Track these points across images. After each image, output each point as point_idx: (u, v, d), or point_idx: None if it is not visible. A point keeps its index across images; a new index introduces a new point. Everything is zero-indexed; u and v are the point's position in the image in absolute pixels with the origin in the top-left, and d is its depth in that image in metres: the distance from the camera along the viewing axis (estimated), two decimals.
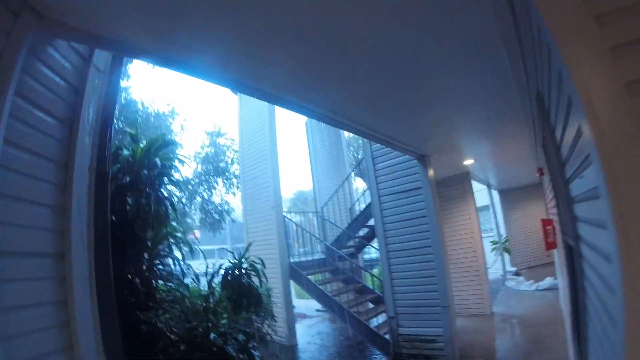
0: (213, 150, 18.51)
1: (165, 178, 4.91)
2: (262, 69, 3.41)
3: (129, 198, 4.31)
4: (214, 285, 5.63)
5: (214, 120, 26.14)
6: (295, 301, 13.73)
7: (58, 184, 2.79)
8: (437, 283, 6.99)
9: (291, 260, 10.15)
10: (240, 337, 5.26)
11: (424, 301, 7.18)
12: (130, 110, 15.53)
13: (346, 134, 15.60)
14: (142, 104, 16.44)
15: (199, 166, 18.40)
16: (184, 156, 16.31)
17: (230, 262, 5.76)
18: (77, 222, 2.92)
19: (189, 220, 19.59)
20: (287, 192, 44.00)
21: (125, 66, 16.15)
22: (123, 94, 15.91)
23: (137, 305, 4.38)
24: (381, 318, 8.72)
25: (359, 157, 19.00)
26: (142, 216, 4.38)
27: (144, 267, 4.80)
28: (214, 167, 18.23)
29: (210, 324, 5.01)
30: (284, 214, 10.30)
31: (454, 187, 10.23)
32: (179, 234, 5.38)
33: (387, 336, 7.86)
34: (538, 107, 3.47)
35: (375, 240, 11.00)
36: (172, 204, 4.93)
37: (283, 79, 3.71)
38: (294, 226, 10.80)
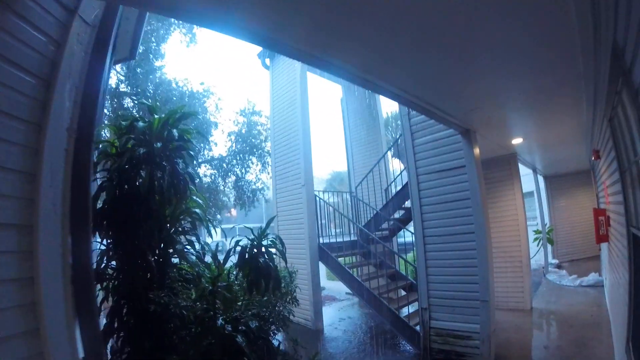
0: (247, 129, 18.06)
1: (185, 152, 4.44)
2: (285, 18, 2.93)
3: (142, 171, 4.02)
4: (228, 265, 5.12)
5: (248, 98, 25.76)
6: (325, 283, 13.47)
7: (28, 146, 2.48)
8: (477, 274, 6.22)
9: (321, 241, 9.54)
10: (254, 323, 4.69)
11: (461, 293, 6.42)
12: (164, 90, 15.29)
13: (384, 113, 14.88)
14: (176, 83, 16.19)
15: (234, 145, 18.01)
16: (207, 137, 16.74)
17: (248, 239, 5.16)
18: (48, 191, 2.57)
19: (224, 198, 19.42)
20: (323, 172, 43.63)
21: (158, 45, 16.15)
22: (158, 74, 15.85)
23: (150, 283, 4.13)
24: (412, 307, 8.02)
25: (397, 137, 18.19)
26: (156, 190, 4.01)
27: (160, 244, 4.43)
28: (248, 146, 17.83)
29: (217, 308, 4.49)
30: (315, 192, 9.62)
31: (499, 169, 9.33)
32: (198, 210, 4.86)
33: (417, 328, 7.18)
34: (612, 67, 2.84)
35: (411, 223, 10.40)
36: (191, 178, 4.51)
37: (307, 30, 3.14)
38: (328, 207, 10.07)
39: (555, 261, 14.27)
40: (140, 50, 15.22)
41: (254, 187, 18.62)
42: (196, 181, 4.88)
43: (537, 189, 13.42)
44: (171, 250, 4.57)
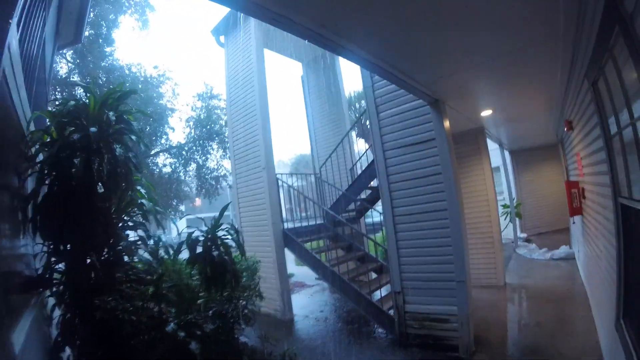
0: (206, 114, 17.25)
1: (127, 136, 3.97)
2: None
3: (76, 160, 3.52)
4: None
5: (205, 82, 24.87)
6: (294, 269, 12.93)
7: None
8: (452, 254, 5.75)
9: (286, 226, 8.94)
10: (209, 326, 4.13)
11: (436, 274, 5.97)
12: (115, 76, 14.47)
13: (347, 93, 14.29)
14: (129, 69, 15.33)
15: (193, 131, 17.19)
16: (163, 124, 15.95)
17: (201, 231, 4.57)
18: None
19: (186, 188, 18.73)
20: (287, 156, 42.98)
21: (109, 30, 15.09)
22: (109, 60, 15.03)
23: (96, 287, 3.58)
24: (385, 290, 7.52)
25: (360, 114, 17.57)
26: (94, 181, 3.52)
27: (106, 242, 3.87)
28: (208, 132, 17.04)
29: (164, 313, 3.91)
30: (278, 175, 8.98)
31: (467, 143, 8.94)
32: (145, 202, 4.27)
33: (391, 312, 6.69)
34: (604, 18, 2.55)
35: (379, 203, 9.91)
36: (135, 165, 3.98)
37: None
38: (291, 190, 9.46)
39: (524, 235, 14.17)
40: (89, 35, 14.39)
41: (215, 174, 17.87)
42: (141, 168, 4.36)
43: (504, 163, 13.21)
44: (120, 248, 3.99)
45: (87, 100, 3.77)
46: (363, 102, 10.80)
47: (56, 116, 3.63)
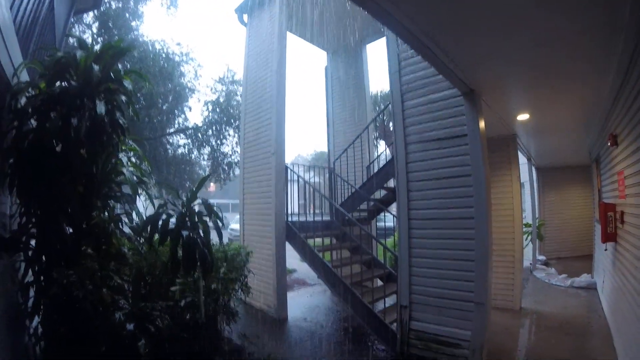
0: (225, 98, 16.55)
1: (118, 96, 3.46)
2: None
3: (52, 113, 3.14)
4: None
5: (228, 66, 24.24)
6: (297, 264, 12.13)
7: None
8: (473, 270, 4.87)
9: (291, 219, 8.12)
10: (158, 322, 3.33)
11: (452, 292, 5.09)
12: (140, 52, 13.89)
13: (372, 90, 13.45)
14: (152, 45, 14.73)
15: (210, 114, 16.51)
16: (183, 103, 15.43)
17: (172, 209, 3.82)
18: None
19: (200, 171, 18.14)
20: (307, 151, 42.31)
21: (136, 4, 14.62)
22: (134, 34, 14.51)
23: (61, 258, 3.24)
24: (390, 301, 6.66)
25: (386, 120, 16.58)
26: (70, 139, 3.09)
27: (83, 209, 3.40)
28: (225, 116, 16.33)
29: (105, 299, 3.17)
30: (287, 164, 8.19)
31: (497, 151, 7.94)
32: (127, 170, 3.71)
33: (394, 327, 5.82)
34: None
35: (394, 206, 8.98)
36: (122, 129, 3.51)
37: None
38: (300, 181, 8.62)
39: (543, 258, 13.10)
40: (116, 8, 14.03)
41: (229, 160, 17.13)
42: (129, 132, 3.81)
43: (531, 179, 12.22)
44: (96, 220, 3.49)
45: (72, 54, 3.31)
46: (389, 105, 9.88)
47: (45, 68, 3.29)
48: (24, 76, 3.44)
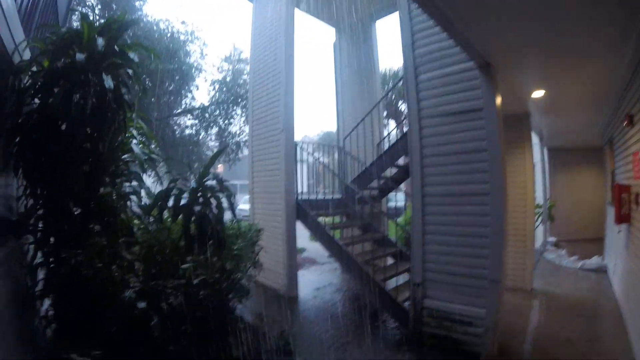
0: (232, 77, 16.36)
1: (123, 71, 3.42)
2: None
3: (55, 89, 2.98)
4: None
5: (234, 44, 23.87)
6: (307, 244, 12.10)
7: None
8: (488, 247, 4.74)
9: (300, 197, 8.03)
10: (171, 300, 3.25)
11: (466, 269, 4.97)
12: (144, 31, 13.65)
13: (381, 68, 13.18)
14: (157, 24, 14.54)
15: (217, 94, 16.33)
16: (190, 83, 15.21)
17: (183, 185, 3.74)
18: None
19: (208, 152, 18.04)
20: (313, 132, 42.14)
21: None
22: (138, 14, 14.13)
23: (69, 239, 3.12)
24: (402, 279, 6.59)
25: (395, 99, 16.35)
26: (71, 116, 2.95)
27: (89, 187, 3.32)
28: (232, 95, 16.15)
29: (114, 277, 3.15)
30: (297, 142, 8.09)
31: (511, 130, 7.74)
32: (136, 147, 3.66)
33: (406, 305, 5.76)
34: None
35: (404, 184, 8.87)
36: (129, 105, 3.43)
37: None
38: (310, 158, 8.54)
39: (553, 239, 12.97)
40: None
41: (237, 139, 17.00)
42: (135, 108, 3.71)
43: (542, 160, 12.03)
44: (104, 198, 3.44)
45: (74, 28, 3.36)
46: (400, 83, 9.62)
47: (48, 45, 3.17)
48: (27, 57, 3.33)
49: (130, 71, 3.44)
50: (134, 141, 3.81)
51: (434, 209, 5.30)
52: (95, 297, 3.01)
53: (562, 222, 13.66)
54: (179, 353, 3.35)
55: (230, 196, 3.90)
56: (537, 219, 11.97)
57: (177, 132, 16.40)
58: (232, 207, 3.91)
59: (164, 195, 3.69)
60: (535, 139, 10.78)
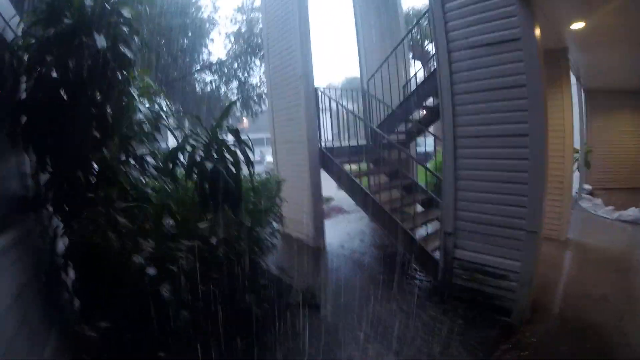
0: (247, 27, 15.78)
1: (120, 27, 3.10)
2: None
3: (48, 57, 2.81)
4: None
5: None
6: (334, 193, 11.74)
7: None
8: (526, 194, 4.30)
9: (324, 145, 7.70)
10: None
11: (501, 218, 4.54)
12: None
13: (404, 5, 12.37)
14: None
15: (234, 46, 15.82)
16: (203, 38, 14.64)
17: (194, 140, 3.44)
18: None
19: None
20: (337, 79, 41.44)
21: None
22: None
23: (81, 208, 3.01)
24: (432, 228, 6.31)
25: (421, 39, 15.40)
26: (70, 81, 2.81)
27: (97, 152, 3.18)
28: (249, 46, 15.61)
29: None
30: (317, 87, 7.66)
31: (548, 67, 7.03)
32: (142, 107, 3.49)
33: (437, 255, 5.43)
34: None
35: (432, 127, 8.35)
36: (128, 61, 3.15)
37: None
38: (332, 104, 8.02)
39: (589, 187, 12.36)
40: None
41: (259, 91, 16.57)
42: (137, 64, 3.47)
43: (580, 102, 11.26)
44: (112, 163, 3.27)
45: None
46: (423, 20, 8.95)
47: (37, 15, 2.94)
48: None
49: (126, 28, 3.14)
50: (140, 99, 3.59)
51: (467, 152, 4.83)
52: (104, 266, 2.87)
53: (599, 170, 12.91)
54: (193, 318, 3.13)
55: (246, 149, 3.56)
56: (574, 164, 11.41)
57: (197, 90, 16.09)
58: (249, 161, 3.58)
59: (174, 152, 3.39)
60: (572, 79, 10.07)
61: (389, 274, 6.00)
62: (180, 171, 3.61)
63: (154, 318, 2.88)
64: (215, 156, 3.36)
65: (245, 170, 3.69)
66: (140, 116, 3.45)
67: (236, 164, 3.42)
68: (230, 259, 3.68)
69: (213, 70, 16.16)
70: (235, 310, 3.64)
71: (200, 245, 3.35)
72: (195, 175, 3.32)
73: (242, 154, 3.44)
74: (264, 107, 16.90)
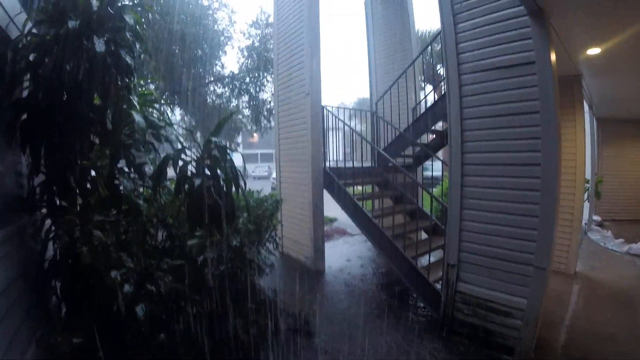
0: (260, 43, 15.74)
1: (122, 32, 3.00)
2: None
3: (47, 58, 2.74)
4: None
5: (262, 7, 23.02)
6: (338, 213, 11.22)
7: None
8: (536, 228, 4.01)
9: (329, 164, 7.49)
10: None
11: (508, 252, 4.24)
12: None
13: (418, 28, 12.21)
14: None
15: (247, 60, 15.75)
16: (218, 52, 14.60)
17: (186, 156, 3.23)
18: None
19: (243, 119, 17.70)
20: (350, 99, 41.61)
21: None
22: None
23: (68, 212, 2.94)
24: (434, 257, 6.03)
25: (433, 62, 15.18)
26: (66, 84, 2.72)
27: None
28: (262, 61, 15.55)
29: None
30: (324, 105, 7.45)
31: (561, 94, 6.86)
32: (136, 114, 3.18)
33: (438, 287, 5.14)
34: None
35: (441, 151, 8.09)
36: (129, 68, 3.02)
37: None
38: (338, 122, 7.80)
39: (598, 218, 12.01)
40: None
41: (269, 106, 16.45)
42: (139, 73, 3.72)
43: (592, 130, 10.95)
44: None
45: None
46: (436, 44, 8.76)
47: (43, 14, 2.89)
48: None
49: (129, 34, 3.04)
50: (141, 108, 3.49)
51: (474, 180, 4.55)
52: (80, 278, 2.75)
53: (609, 200, 12.55)
54: (170, 342, 2.87)
55: (232, 167, 3.34)
56: (584, 195, 11.07)
57: (208, 102, 16.02)
58: (236, 179, 3.35)
59: (163, 164, 3.19)
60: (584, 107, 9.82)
61: (389, 303, 5.72)
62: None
63: (128, 339, 2.68)
64: (207, 172, 3.14)
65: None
66: (139, 124, 3.24)
67: (228, 181, 3.20)
68: (218, 280, 3.44)
69: (225, 82, 16.09)
70: (219, 334, 3.37)
71: (184, 264, 3.11)
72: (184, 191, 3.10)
73: (230, 171, 3.21)
74: (273, 123, 16.85)
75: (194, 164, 3.25)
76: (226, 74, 15.91)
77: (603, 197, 12.32)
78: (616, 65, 6.34)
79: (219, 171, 3.21)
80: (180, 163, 3.18)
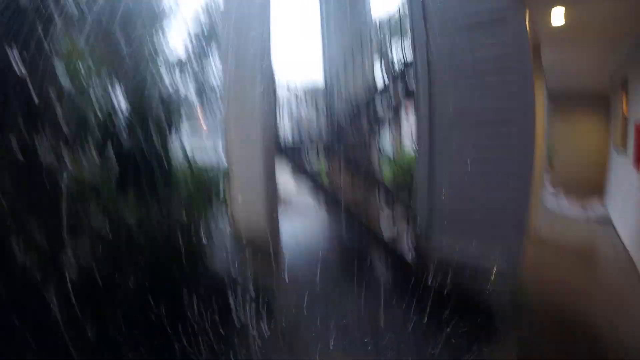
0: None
1: None
2: None
3: None
4: None
5: None
6: (294, 187, 11.03)
7: None
8: (513, 184, 3.83)
9: (283, 133, 7.13)
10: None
11: (484, 212, 4.01)
12: None
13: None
14: None
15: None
16: None
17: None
18: None
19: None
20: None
21: None
22: None
23: None
24: (402, 224, 5.73)
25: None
26: None
27: None
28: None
29: None
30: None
31: None
32: None
33: (408, 255, 4.94)
34: None
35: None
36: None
37: None
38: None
39: (552, 187, 12.37)
40: None
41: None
42: None
43: (543, 102, 11.18)
44: None
45: None
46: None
47: None
48: None
49: None
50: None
51: (445, 135, 4.29)
52: None
53: (561, 168, 12.94)
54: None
55: (176, 123, 2.83)
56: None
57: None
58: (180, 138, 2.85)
59: (82, 118, 2.61)
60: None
61: (356, 275, 5.34)
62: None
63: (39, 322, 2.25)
64: (138, 129, 2.60)
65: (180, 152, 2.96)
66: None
67: (163, 142, 2.67)
68: (149, 256, 2.95)
69: None
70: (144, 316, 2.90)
71: (108, 237, 2.60)
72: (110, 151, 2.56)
73: (174, 128, 2.70)
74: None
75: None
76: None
77: (555, 165, 12.83)
78: (575, 33, 6.26)
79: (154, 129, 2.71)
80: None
